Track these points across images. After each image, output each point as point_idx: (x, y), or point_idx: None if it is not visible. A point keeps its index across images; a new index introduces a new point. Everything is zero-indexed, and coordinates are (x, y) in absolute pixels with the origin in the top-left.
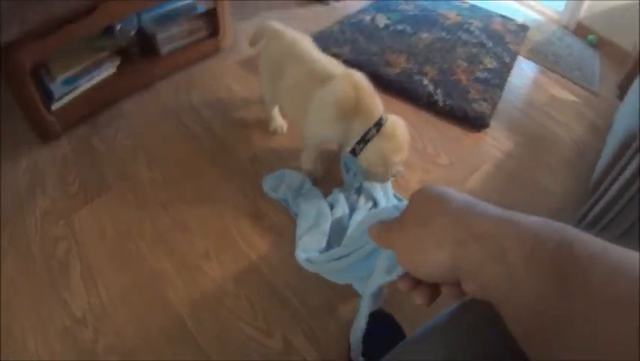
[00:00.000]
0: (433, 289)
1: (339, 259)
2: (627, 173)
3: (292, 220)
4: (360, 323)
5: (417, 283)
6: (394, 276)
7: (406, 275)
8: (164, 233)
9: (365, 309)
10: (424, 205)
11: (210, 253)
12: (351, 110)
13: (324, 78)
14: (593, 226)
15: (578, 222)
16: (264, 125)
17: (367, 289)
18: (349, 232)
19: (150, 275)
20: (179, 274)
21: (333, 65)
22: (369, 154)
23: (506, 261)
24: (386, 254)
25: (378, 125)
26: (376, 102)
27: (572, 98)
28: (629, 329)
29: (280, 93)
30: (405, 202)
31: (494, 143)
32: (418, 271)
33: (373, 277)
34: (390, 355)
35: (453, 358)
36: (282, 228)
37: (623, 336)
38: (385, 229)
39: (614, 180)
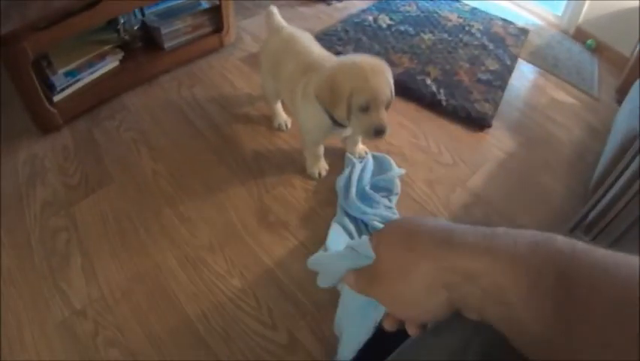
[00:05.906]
0: None
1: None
2: (628, 173)
3: (297, 215)
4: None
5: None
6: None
7: (389, 316)
8: (167, 226)
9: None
10: (397, 254)
11: (215, 246)
12: (331, 101)
13: (307, 70)
14: (594, 225)
15: (579, 222)
16: (268, 121)
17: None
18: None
19: (153, 268)
20: (182, 267)
21: (322, 58)
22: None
23: (506, 300)
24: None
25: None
26: None
27: (571, 101)
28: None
29: (280, 88)
30: (364, 239)
31: (496, 143)
32: (416, 320)
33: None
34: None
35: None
36: (287, 223)
37: None
38: (362, 281)
39: (615, 181)
